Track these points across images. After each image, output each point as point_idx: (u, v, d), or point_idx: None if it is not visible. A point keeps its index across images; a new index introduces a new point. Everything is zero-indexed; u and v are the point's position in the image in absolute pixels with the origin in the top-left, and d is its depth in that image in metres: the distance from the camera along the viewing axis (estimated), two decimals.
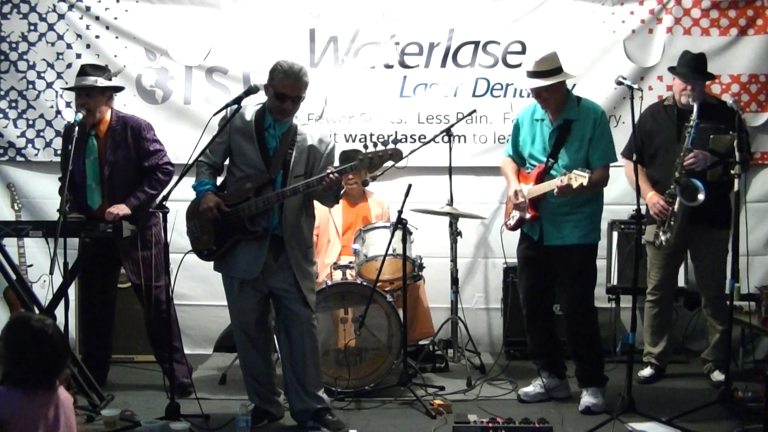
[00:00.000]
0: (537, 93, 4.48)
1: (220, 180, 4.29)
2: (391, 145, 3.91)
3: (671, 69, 5.09)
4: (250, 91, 4.02)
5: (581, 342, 4.58)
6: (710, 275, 5.02)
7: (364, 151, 3.94)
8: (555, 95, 4.45)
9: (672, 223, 4.75)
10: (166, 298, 4.76)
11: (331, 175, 3.90)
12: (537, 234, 4.56)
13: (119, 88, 5.14)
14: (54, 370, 2.88)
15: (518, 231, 4.77)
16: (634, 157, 4.41)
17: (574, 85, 5.83)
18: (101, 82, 4.74)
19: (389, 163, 5.05)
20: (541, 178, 4.47)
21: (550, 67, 4.41)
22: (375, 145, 3.91)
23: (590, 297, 4.58)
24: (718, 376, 5.03)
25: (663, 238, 4.81)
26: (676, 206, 4.72)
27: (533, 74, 4.43)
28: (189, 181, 4.14)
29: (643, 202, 4.86)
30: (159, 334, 4.85)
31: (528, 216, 4.53)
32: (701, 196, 4.58)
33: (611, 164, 4.55)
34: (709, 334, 5.18)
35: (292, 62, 4.00)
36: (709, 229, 4.90)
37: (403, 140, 5.92)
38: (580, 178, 4.14)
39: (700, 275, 5.12)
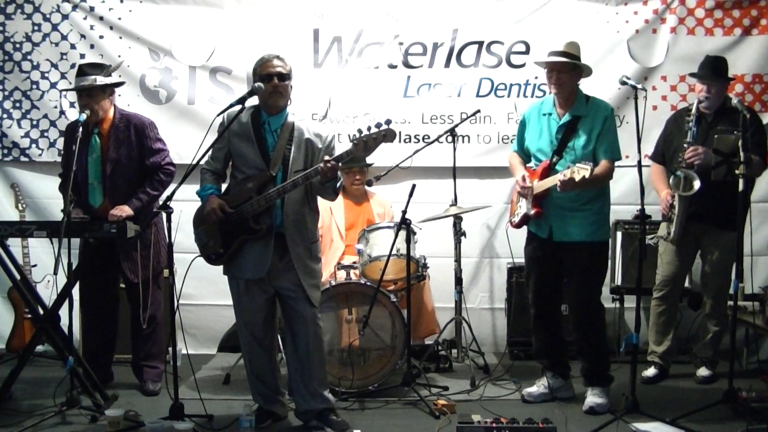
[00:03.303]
0: (551, 73, 4.47)
1: (224, 187, 4.29)
2: (383, 126, 3.88)
3: (692, 74, 5.11)
4: (254, 91, 4.02)
5: (587, 340, 4.58)
6: (712, 275, 5.08)
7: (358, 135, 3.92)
8: (567, 81, 4.44)
9: (673, 216, 4.88)
10: (156, 303, 4.92)
11: (328, 164, 3.88)
12: (545, 233, 4.55)
13: (119, 84, 5.16)
14: None
15: (524, 231, 4.77)
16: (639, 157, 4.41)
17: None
18: (101, 80, 4.74)
19: (400, 162, 5.08)
20: (546, 175, 4.47)
21: (575, 53, 4.46)
22: (368, 128, 3.90)
23: (598, 295, 4.58)
24: (703, 371, 5.18)
25: (667, 230, 4.98)
26: (675, 199, 4.81)
27: (557, 53, 4.45)
28: (193, 181, 4.14)
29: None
30: (142, 340, 4.94)
31: (532, 212, 4.53)
32: (696, 183, 4.67)
33: (616, 164, 4.54)
34: (704, 332, 5.25)
35: None
36: (718, 230, 4.93)
37: (407, 140, 5.93)
38: (582, 170, 4.13)
39: (703, 274, 5.16)
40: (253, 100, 4.14)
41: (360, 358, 4.83)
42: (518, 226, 4.74)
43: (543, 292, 4.67)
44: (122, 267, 4.81)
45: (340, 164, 3.93)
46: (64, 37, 5.97)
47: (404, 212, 4.69)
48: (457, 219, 5.52)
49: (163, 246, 4.94)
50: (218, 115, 4.13)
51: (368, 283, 4.82)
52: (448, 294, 5.64)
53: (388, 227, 5.00)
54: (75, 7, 5.94)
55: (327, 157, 3.92)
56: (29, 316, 5.45)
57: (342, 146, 4.13)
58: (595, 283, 4.56)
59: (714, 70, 4.96)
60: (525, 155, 4.75)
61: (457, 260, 5.54)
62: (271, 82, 4.04)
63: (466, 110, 5.85)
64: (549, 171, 4.47)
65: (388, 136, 3.90)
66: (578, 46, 4.52)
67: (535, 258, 4.67)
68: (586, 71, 4.55)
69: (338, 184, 4.13)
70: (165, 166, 4.88)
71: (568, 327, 4.79)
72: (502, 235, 6.04)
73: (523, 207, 4.62)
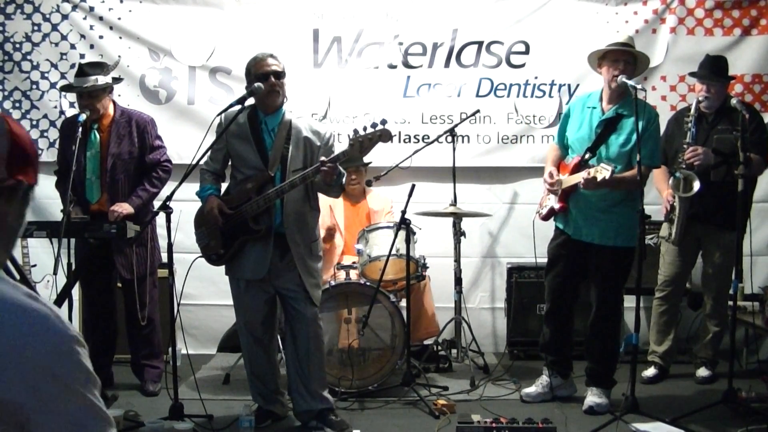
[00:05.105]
0: (616, 63, 4.41)
1: (224, 186, 4.30)
2: (379, 126, 3.88)
3: (692, 74, 5.11)
4: (253, 91, 4.02)
5: (599, 342, 4.58)
6: (713, 275, 5.08)
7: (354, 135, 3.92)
8: (630, 73, 4.40)
9: (674, 217, 4.87)
10: (153, 302, 4.92)
11: (325, 166, 3.87)
12: (571, 229, 4.54)
13: (119, 80, 5.17)
14: None
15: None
16: (638, 158, 4.40)
17: (578, 85, 5.84)
18: (101, 79, 4.74)
19: (400, 162, 5.08)
20: (576, 170, 4.43)
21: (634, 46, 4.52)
22: (364, 128, 3.90)
23: (615, 300, 4.55)
24: (703, 372, 5.19)
25: (668, 231, 4.97)
26: (676, 200, 4.80)
27: (622, 44, 4.47)
28: (193, 181, 4.14)
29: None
30: (139, 339, 4.94)
31: (557, 206, 4.53)
32: (696, 184, 4.65)
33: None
34: (704, 332, 5.27)
35: None
36: (719, 230, 4.94)
37: (407, 140, 5.93)
38: (603, 171, 4.12)
39: (704, 274, 5.17)
40: (250, 100, 4.14)
41: (359, 358, 4.83)
42: (545, 218, 4.72)
43: (559, 288, 4.64)
44: (116, 264, 4.81)
45: (337, 164, 3.93)
46: (63, 37, 5.96)
47: (404, 212, 4.69)
48: (457, 219, 5.52)
49: (157, 244, 4.96)
50: (217, 115, 4.13)
51: (368, 283, 4.82)
52: (448, 294, 5.64)
53: (388, 227, 5.00)
54: (75, 7, 5.93)
55: (323, 158, 3.92)
56: None
57: (341, 147, 4.13)
58: (613, 288, 4.52)
59: (713, 69, 4.96)
60: (564, 148, 4.73)
61: (457, 260, 5.54)
62: (267, 81, 4.03)
63: (466, 110, 5.85)
64: (580, 167, 4.43)
65: (383, 135, 3.90)
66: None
67: (558, 255, 4.64)
68: (640, 68, 4.54)
69: (342, 181, 4.14)
70: (163, 163, 4.90)
71: (578, 327, 4.81)
72: (501, 236, 6.05)
73: (552, 200, 4.62)
